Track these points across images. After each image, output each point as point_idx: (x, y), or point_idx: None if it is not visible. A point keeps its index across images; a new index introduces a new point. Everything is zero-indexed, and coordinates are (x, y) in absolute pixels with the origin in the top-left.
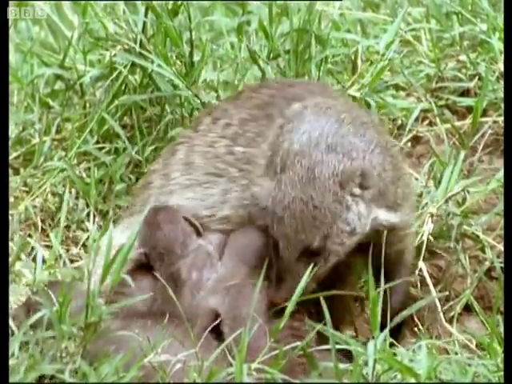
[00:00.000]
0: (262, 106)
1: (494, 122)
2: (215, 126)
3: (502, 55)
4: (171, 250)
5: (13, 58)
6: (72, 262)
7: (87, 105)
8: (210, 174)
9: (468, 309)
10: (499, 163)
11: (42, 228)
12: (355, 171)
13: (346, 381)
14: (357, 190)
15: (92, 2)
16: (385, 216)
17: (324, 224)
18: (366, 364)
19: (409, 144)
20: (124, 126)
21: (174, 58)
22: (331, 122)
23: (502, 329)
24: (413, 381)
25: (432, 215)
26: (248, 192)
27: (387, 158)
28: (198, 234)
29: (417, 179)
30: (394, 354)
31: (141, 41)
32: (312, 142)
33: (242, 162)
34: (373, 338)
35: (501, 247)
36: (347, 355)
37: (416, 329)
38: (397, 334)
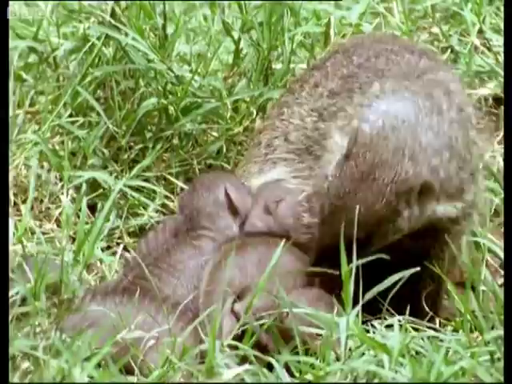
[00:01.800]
0: (346, 77)
1: (468, 95)
2: (310, 96)
3: (475, 27)
4: (195, 216)
5: None
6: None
7: (61, 78)
8: (300, 149)
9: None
10: None
11: (14, 202)
12: (416, 184)
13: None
14: (414, 200)
15: None
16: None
17: (370, 224)
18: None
19: None
20: (97, 99)
21: (148, 30)
22: (405, 114)
23: (474, 305)
24: (385, 357)
25: None
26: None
27: (459, 152)
28: (235, 213)
29: None
30: (367, 331)
31: (114, 13)
32: (380, 136)
33: (323, 137)
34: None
35: None
36: None
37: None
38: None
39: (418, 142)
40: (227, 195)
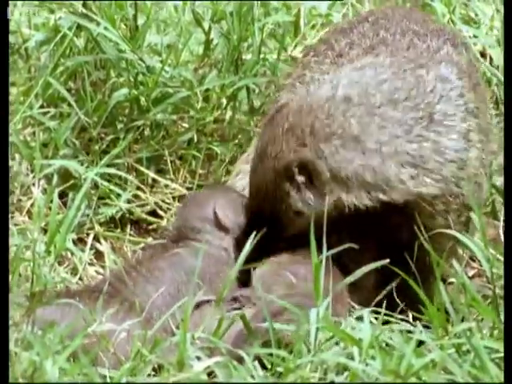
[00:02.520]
0: (368, 49)
1: None
2: (335, 64)
3: (445, 18)
4: (182, 229)
5: None
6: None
7: (32, 69)
8: None
9: None
10: None
11: None
12: (292, 162)
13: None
14: (301, 181)
15: None
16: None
17: (265, 200)
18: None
19: None
20: (69, 90)
21: (119, 21)
22: (317, 99)
23: (444, 297)
24: (355, 349)
25: None
26: None
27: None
28: (224, 229)
29: None
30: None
31: (86, 3)
32: (281, 115)
33: None
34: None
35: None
36: None
37: None
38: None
39: (311, 126)
40: (215, 213)
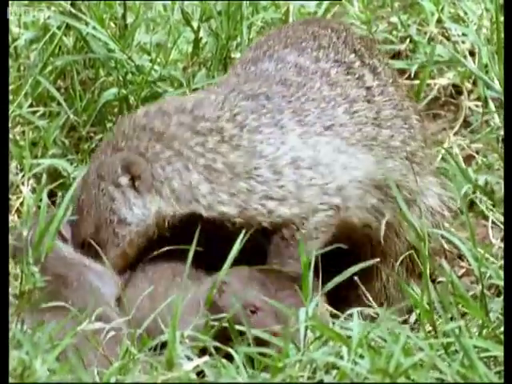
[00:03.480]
0: None
1: (427, 85)
2: None
3: (434, 16)
4: None
5: None
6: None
7: (21, 68)
8: None
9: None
10: (431, 127)
11: None
12: (114, 162)
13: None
14: (123, 180)
15: None
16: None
17: (91, 215)
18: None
19: None
20: (58, 89)
21: (108, 20)
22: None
23: (432, 293)
24: (344, 348)
25: None
26: None
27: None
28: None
29: None
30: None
31: (75, 3)
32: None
33: None
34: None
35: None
36: None
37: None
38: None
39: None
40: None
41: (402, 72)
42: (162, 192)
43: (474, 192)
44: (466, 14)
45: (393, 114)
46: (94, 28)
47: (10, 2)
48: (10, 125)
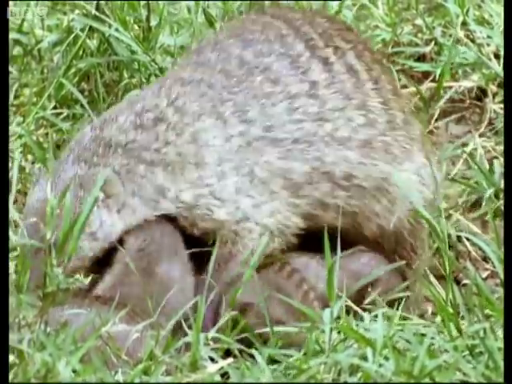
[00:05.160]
0: None
1: (450, 87)
2: None
3: (459, 19)
4: None
5: None
6: None
7: (45, 70)
8: None
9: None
10: (456, 129)
11: None
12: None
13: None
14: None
15: None
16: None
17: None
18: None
19: None
20: (81, 92)
21: (132, 22)
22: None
23: (457, 295)
24: (369, 350)
25: None
26: None
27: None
28: None
29: None
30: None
31: (99, 5)
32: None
33: None
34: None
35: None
36: None
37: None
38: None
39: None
40: None
41: (426, 74)
42: (132, 204)
43: (496, 196)
44: (491, 16)
45: (340, 106)
46: (117, 30)
47: (33, 3)
48: (33, 127)
